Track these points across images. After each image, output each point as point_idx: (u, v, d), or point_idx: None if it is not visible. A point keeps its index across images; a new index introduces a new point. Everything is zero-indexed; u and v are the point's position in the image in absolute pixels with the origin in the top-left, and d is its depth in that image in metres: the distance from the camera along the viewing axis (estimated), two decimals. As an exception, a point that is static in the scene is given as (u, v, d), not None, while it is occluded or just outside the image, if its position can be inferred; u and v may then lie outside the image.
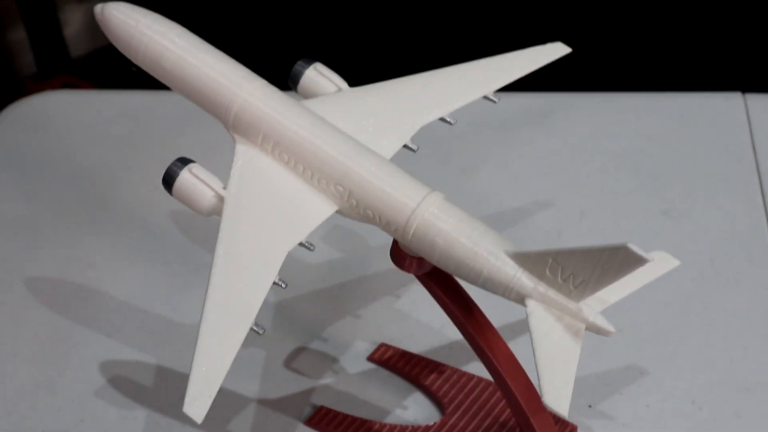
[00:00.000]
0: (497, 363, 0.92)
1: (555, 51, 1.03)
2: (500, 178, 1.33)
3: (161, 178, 0.91)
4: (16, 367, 1.12)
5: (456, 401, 1.03)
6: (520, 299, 0.84)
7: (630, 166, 1.32)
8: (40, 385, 1.10)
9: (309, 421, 1.03)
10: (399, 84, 0.99)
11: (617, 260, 0.78)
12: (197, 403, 0.80)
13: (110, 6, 0.95)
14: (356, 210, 0.89)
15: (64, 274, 1.24)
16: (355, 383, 1.08)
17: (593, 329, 0.83)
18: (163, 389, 1.08)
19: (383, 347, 1.10)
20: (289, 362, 1.10)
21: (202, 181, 0.90)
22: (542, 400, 0.78)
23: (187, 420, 1.00)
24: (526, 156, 1.36)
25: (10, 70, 2.92)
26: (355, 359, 1.10)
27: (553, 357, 0.81)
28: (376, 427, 1.02)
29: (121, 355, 1.12)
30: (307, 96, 0.97)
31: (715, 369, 1.06)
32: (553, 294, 0.82)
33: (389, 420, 1.03)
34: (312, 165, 0.89)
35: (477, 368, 1.02)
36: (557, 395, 0.79)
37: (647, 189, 1.29)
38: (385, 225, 0.88)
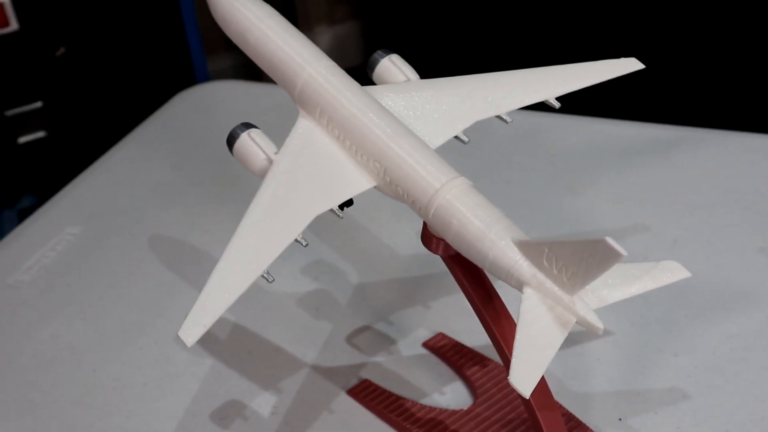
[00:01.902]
0: (510, 353, 0.94)
1: (626, 66, 1.05)
2: (605, 200, 1.34)
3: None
4: (118, 310, 1.25)
5: (488, 393, 1.06)
6: (520, 286, 0.87)
7: (739, 203, 1.30)
8: (132, 326, 1.22)
9: (350, 391, 1.09)
10: (464, 80, 1.04)
11: (598, 253, 0.80)
12: (192, 331, 0.88)
13: None
14: (390, 187, 0.95)
15: (183, 236, 1.36)
16: (405, 365, 1.13)
17: (583, 324, 0.85)
18: (231, 343, 1.18)
19: (440, 336, 1.15)
20: (351, 338, 1.17)
21: (257, 144, 0.98)
22: (508, 377, 0.81)
23: (246, 373, 1.11)
24: (637, 183, 1.36)
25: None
26: (412, 344, 1.15)
27: (533, 340, 0.83)
28: (408, 404, 1.06)
29: (207, 310, 1.22)
30: (380, 83, 1.04)
31: (759, 407, 1.03)
32: (549, 284, 0.85)
33: (425, 402, 1.07)
34: (356, 141, 0.96)
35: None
36: (524, 376, 0.81)
37: (750, 226, 1.26)
38: (412, 203, 0.93)
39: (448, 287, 1.22)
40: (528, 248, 0.86)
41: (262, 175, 0.98)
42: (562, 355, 1.09)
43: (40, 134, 2.28)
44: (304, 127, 0.99)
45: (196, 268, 1.29)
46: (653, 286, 0.89)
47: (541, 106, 1.55)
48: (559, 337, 0.84)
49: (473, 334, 1.14)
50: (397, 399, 1.07)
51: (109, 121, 1.69)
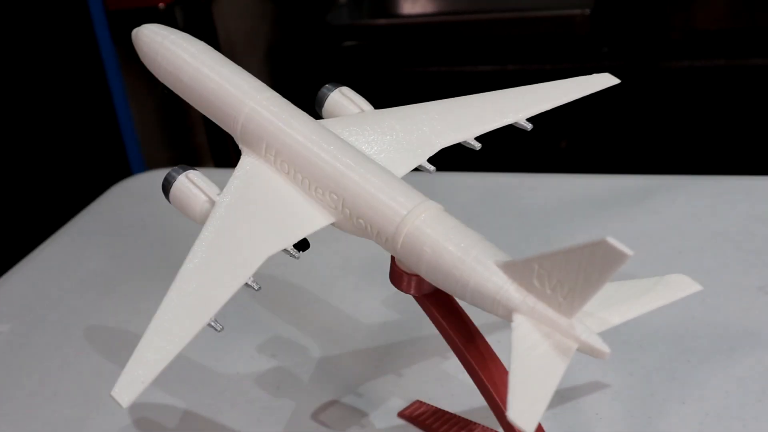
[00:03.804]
0: (500, 399, 0.82)
1: (600, 82, 0.96)
2: (584, 252, 1.23)
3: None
4: (50, 407, 1.11)
5: (476, 457, 0.93)
6: (508, 314, 0.75)
7: (729, 244, 1.20)
8: (69, 423, 1.08)
9: (320, 471, 0.95)
10: (426, 106, 0.94)
11: (598, 258, 0.69)
12: (127, 389, 0.75)
13: (144, 26, 0.96)
14: (350, 221, 0.83)
15: (124, 324, 1.23)
16: (379, 438, 0.99)
17: (586, 349, 0.73)
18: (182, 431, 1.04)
19: (417, 404, 1.02)
20: (317, 414, 1.03)
21: (197, 186, 0.87)
22: (507, 413, 0.68)
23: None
24: (617, 233, 1.24)
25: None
26: (385, 415, 1.02)
27: (531, 372, 0.71)
28: (387, 480, 0.93)
29: (153, 399, 1.08)
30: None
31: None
32: (542, 308, 0.73)
33: (406, 476, 0.94)
34: (309, 173, 0.85)
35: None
36: (525, 411, 0.69)
37: (744, 265, 1.16)
38: (377, 235, 0.82)
39: (421, 352, 1.10)
40: (514, 269, 0.75)
41: (204, 220, 0.86)
42: (556, 413, 0.98)
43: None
44: (249, 164, 0.88)
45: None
46: (662, 303, 0.77)
47: (503, 165, 1.47)
48: (560, 366, 0.72)
49: (454, 399, 1.02)
50: (374, 475, 0.93)
51: (46, 225, 1.55)
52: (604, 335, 0.74)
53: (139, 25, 0.96)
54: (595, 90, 0.96)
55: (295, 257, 0.83)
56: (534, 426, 0.68)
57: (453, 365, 1.07)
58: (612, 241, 0.66)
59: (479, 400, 0.99)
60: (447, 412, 0.99)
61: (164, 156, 2.65)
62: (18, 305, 1.30)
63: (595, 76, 0.96)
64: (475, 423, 0.97)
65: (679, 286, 0.79)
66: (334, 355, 1.12)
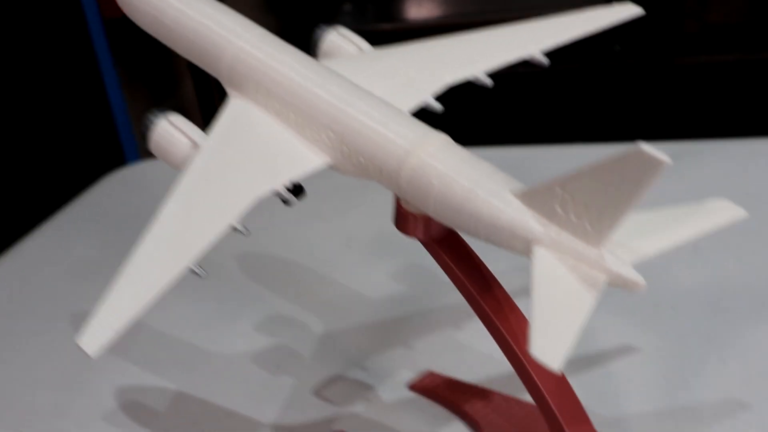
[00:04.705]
0: (520, 350, 0.73)
1: (622, 12, 0.88)
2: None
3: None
4: (34, 392, 1.03)
5: (494, 425, 0.84)
6: (528, 248, 0.66)
7: (762, 205, 1.10)
8: (52, 409, 0.99)
9: (324, 447, 0.87)
10: (431, 43, 0.86)
11: (629, 170, 0.61)
12: (96, 336, 0.66)
13: None
14: (349, 159, 0.75)
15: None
16: (389, 412, 0.91)
17: (618, 282, 0.64)
18: (172, 415, 0.95)
19: (429, 375, 0.93)
20: (320, 390, 0.94)
21: (179, 129, 0.79)
22: (530, 349, 0.59)
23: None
24: (644, 198, 1.17)
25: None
26: (395, 388, 0.93)
27: (555, 306, 0.63)
28: (398, 453, 0.84)
29: (140, 381, 1.00)
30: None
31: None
32: (566, 238, 0.65)
33: (419, 450, 0.85)
34: (302, 111, 0.77)
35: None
36: (550, 346, 0.60)
37: (781, 224, 1.07)
38: (379, 174, 0.73)
39: (432, 324, 1.02)
40: (533, 197, 0.66)
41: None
42: (584, 380, 0.89)
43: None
44: (237, 106, 0.80)
45: (128, 338, 1.07)
46: (702, 231, 0.69)
47: (527, 137, 1.38)
48: (588, 300, 0.63)
49: (469, 369, 0.94)
50: (384, 448, 0.85)
51: (40, 215, 1.47)
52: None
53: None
54: (617, 22, 0.88)
55: (289, 202, 0.75)
56: (560, 361, 0.59)
57: (467, 335, 0.99)
58: (646, 147, 0.58)
59: (496, 369, 0.92)
60: (461, 382, 0.91)
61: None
62: (2, 294, 1.22)
63: (616, 5, 0.88)
64: (493, 391, 0.88)
65: (722, 212, 0.70)
66: (338, 330, 1.03)
